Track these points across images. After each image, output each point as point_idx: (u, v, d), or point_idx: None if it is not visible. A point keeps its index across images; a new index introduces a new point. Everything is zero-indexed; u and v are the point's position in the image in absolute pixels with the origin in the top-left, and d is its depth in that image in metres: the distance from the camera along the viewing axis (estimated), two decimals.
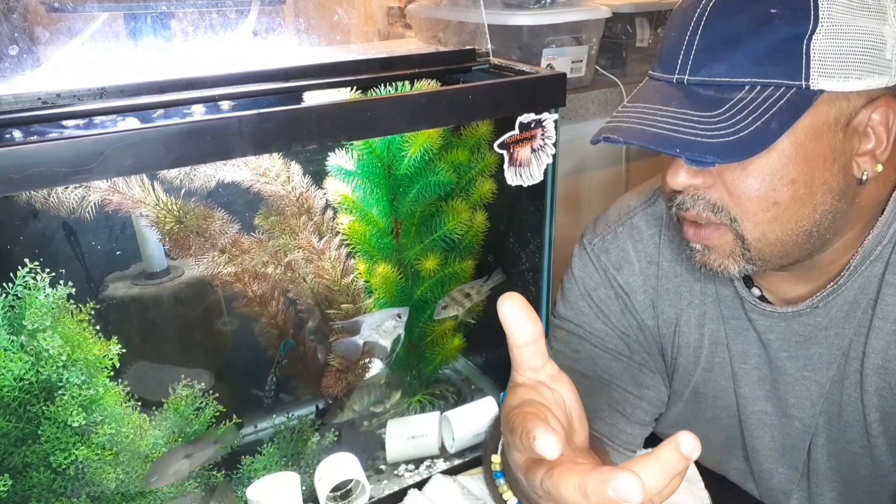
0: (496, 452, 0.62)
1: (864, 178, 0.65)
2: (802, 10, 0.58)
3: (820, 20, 0.58)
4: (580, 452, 0.50)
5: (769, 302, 0.76)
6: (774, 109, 0.58)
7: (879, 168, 0.65)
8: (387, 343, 0.91)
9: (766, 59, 0.59)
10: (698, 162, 0.59)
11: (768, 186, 0.62)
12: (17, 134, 0.67)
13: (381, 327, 0.90)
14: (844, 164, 0.63)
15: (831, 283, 0.71)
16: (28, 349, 0.68)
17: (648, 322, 0.85)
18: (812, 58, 0.58)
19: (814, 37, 0.58)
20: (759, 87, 0.60)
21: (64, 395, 0.69)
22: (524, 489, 0.50)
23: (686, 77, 0.63)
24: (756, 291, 0.76)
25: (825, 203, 0.64)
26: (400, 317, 0.91)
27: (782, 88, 0.59)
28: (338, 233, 0.91)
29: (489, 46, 0.92)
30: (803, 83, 0.58)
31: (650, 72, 0.69)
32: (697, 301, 0.81)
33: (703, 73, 0.62)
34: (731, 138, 0.58)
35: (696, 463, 0.91)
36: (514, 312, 0.45)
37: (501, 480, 0.59)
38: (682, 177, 0.65)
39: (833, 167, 0.63)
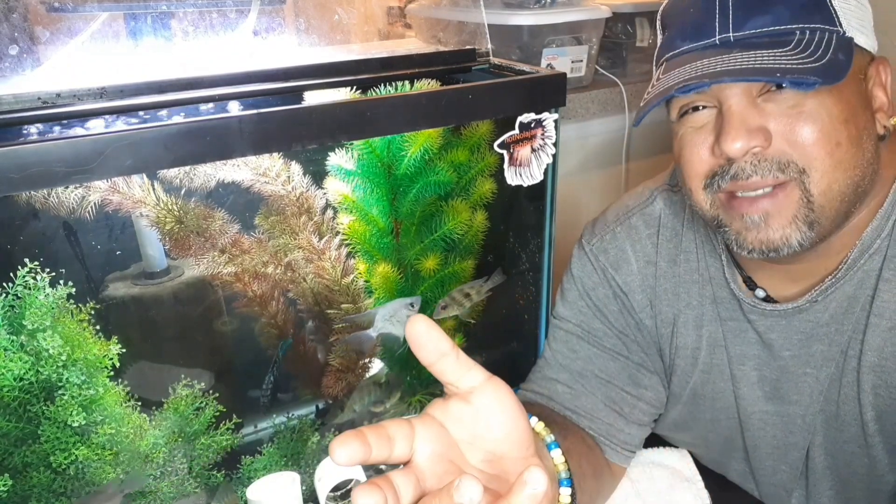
0: None
1: (886, 134, 0.68)
2: None
3: None
4: (521, 461, 0.48)
5: (775, 301, 0.76)
6: (833, 46, 0.61)
7: (895, 121, 0.69)
8: (400, 333, 0.90)
9: (805, 9, 0.63)
10: (801, 84, 0.60)
11: (830, 127, 0.63)
12: (17, 134, 0.67)
13: (395, 317, 0.90)
14: (871, 113, 0.67)
15: (830, 277, 0.71)
16: (28, 349, 0.68)
17: (647, 322, 0.85)
18: (837, 10, 0.63)
19: None
20: (808, 32, 0.62)
21: (64, 394, 0.69)
22: None
23: (731, 35, 0.64)
24: (760, 293, 0.76)
25: (869, 150, 0.66)
26: (413, 305, 0.91)
27: (827, 33, 0.62)
28: (338, 233, 0.91)
29: (489, 46, 0.92)
30: (840, 30, 0.63)
31: (669, 53, 0.68)
32: (695, 303, 0.81)
33: (748, 26, 0.63)
34: (816, 65, 0.60)
35: (696, 463, 0.91)
36: (417, 334, 0.44)
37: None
38: (740, 141, 0.63)
39: (867, 113, 0.66)
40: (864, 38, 0.65)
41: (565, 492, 0.60)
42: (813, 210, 0.64)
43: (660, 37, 0.73)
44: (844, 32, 0.63)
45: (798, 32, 0.62)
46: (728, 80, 0.61)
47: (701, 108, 0.67)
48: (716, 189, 0.67)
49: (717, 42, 0.64)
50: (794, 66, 0.60)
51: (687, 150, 0.68)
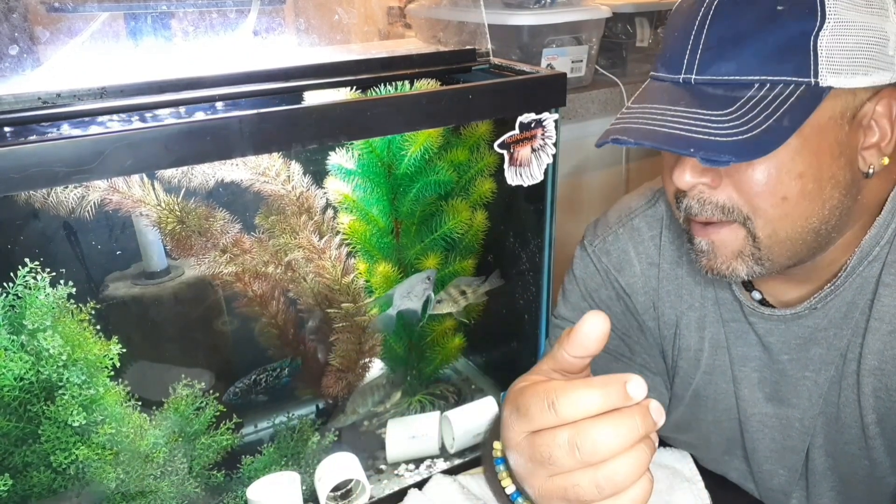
0: (498, 440, 0.62)
1: (871, 171, 0.64)
2: (809, 7, 0.58)
3: (827, 16, 0.58)
4: None
5: (770, 305, 0.76)
6: (785, 107, 0.58)
7: (886, 161, 0.65)
8: (418, 307, 0.92)
9: (775, 56, 0.59)
10: (713, 161, 0.58)
11: (776, 181, 0.62)
12: (17, 134, 0.67)
13: (413, 293, 0.91)
14: (850, 157, 0.63)
15: (829, 285, 0.71)
16: (28, 349, 0.68)
17: (650, 323, 0.85)
18: (820, 55, 0.58)
19: (821, 33, 0.58)
20: (768, 85, 0.59)
21: (64, 394, 0.69)
22: (521, 472, 0.49)
23: (693, 77, 0.62)
24: (757, 295, 0.76)
25: (833, 198, 0.64)
26: (429, 279, 0.92)
27: (791, 86, 0.59)
28: (338, 232, 0.91)
29: (489, 46, 0.92)
30: (812, 80, 0.58)
31: (652, 73, 0.68)
32: (697, 304, 0.81)
33: (710, 72, 0.61)
34: (745, 136, 0.57)
35: (696, 463, 0.91)
36: (598, 330, 0.47)
37: (501, 467, 0.60)
38: (687, 176, 0.64)
39: (839, 161, 0.63)
40: (862, 78, 0.59)
41: None
42: (760, 249, 0.65)
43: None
44: (817, 83, 0.58)
45: (756, 86, 0.60)
46: (648, 145, 0.61)
47: None
48: (679, 209, 0.69)
49: (680, 81, 0.63)
50: (718, 137, 0.58)
51: (663, 171, 0.70)
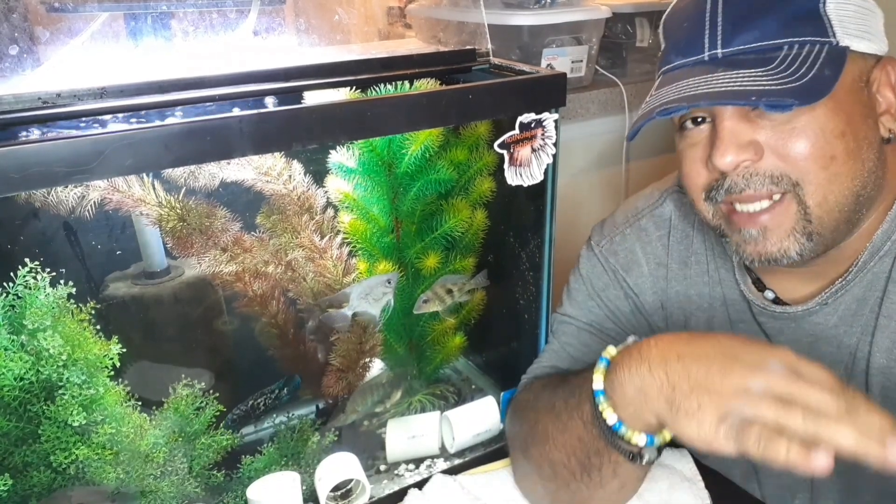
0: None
1: (892, 137, 0.67)
2: None
3: None
4: None
5: (784, 303, 0.75)
6: (821, 61, 0.60)
7: None
8: (376, 311, 0.89)
9: (795, 21, 0.62)
10: (779, 107, 0.59)
11: (822, 141, 0.62)
12: (17, 134, 0.67)
13: (371, 295, 0.88)
14: (875, 120, 0.66)
15: (839, 280, 0.71)
16: (28, 349, 0.68)
17: (659, 324, 0.84)
18: (831, 18, 0.62)
19: (827, 1, 0.62)
20: (797, 46, 0.62)
21: (64, 394, 0.69)
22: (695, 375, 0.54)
23: (719, 51, 0.64)
24: (770, 294, 0.76)
25: (869, 160, 0.65)
26: (389, 282, 0.89)
27: (818, 45, 0.61)
28: (338, 231, 0.91)
29: (489, 46, 0.92)
30: (833, 40, 0.62)
31: (664, 67, 0.68)
32: (706, 305, 0.81)
33: (737, 42, 0.63)
34: (799, 83, 0.59)
35: (697, 463, 0.91)
36: None
37: (602, 398, 0.63)
38: (730, 156, 0.63)
39: (868, 121, 0.65)
40: (867, 44, 0.64)
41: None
42: (811, 221, 0.65)
43: (662, 46, 0.73)
44: (838, 42, 0.62)
45: (786, 47, 0.62)
46: (704, 104, 0.62)
47: (700, 119, 0.68)
48: (715, 201, 0.68)
49: (706, 59, 0.64)
50: (773, 87, 0.59)
51: (686, 165, 0.70)
